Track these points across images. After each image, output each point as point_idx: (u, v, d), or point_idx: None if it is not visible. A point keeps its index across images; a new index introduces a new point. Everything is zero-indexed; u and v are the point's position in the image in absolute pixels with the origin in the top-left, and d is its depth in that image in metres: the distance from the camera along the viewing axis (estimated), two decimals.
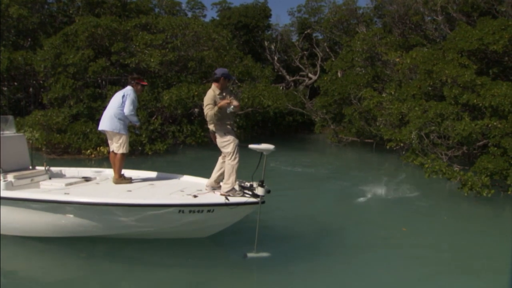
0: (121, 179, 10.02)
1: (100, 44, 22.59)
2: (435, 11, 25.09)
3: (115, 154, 10.00)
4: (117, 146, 9.94)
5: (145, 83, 10.59)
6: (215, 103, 8.83)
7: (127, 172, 10.43)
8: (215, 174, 9.32)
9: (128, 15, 27.46)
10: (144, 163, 18.59)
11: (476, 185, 13.50)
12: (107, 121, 9.93)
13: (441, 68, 17.79)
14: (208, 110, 8.79)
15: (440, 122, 16.54)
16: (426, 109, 17.16)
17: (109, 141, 10.16)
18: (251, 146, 8.40)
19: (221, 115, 8.91)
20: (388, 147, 18.99)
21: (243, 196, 8.71)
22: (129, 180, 10.10)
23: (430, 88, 18.78)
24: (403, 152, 19.39)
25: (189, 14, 41.25)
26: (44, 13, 26.82)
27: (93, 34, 21.98)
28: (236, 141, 8.99)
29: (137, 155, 20.14)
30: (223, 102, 8.85)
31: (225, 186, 8.91)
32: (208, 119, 8.86)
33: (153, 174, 10.80)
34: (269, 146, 8.38)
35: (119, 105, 9.86)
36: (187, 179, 10.49)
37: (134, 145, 19.82)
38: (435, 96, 18.78)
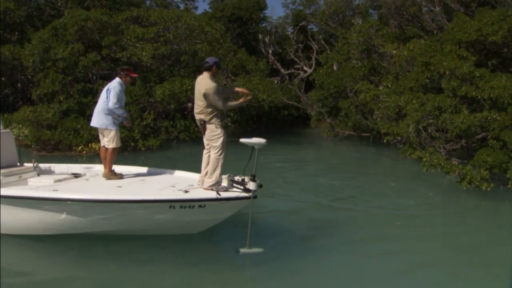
0: (111, 174, 9.89)
1: (90, 38, 22.20)
2: (432, 2, 24.86)
3: (106, 149, 9.88)
4: (108, 140, 9.84)
5: (135, 75, 10.47)
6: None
7: (118, 168, 10.29)
8: (204, 169, 9.08)
9: (118, 8, 27.07)
10: (137, 159, 18.34)
11: (475, 179, 13.28)
12: (95, 117, 9.87)
13: (439, 60, 17.54)
14: (218, 101, 8.64)
15: (438, 115, 16.35)
16: (424, 102, 16.96)
17: (100, 136, 10.04)
18: (242, 140, 8.28)
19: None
20: (385, 141, 18.84)
21: (226, 190, 8.57)
22: (120, 176, 9.94)
23: (427, 81, 18.53)
24: (401, 146, 19.14)
25: (181, 7, 40.87)
26: (32, 6, 26.41)
27: (82, 28, 21.57)
28: (225, 136, 8.84)
29: (129, 151, 19.85)
30: (247, 98, 9.24)
31: (209, 180, 8.76)
32: (220, 107, 8.72)
33: (144, 169, 10.63)
34: (261, 140, 8.26)
35: (105, 99, 9.77)
36: (178, 174, 10.36)
37: (127, 141, 19.52)
38: (432, 89, 18.55)
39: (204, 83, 8.71)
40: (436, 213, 12.24)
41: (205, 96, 8.61)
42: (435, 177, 15.44)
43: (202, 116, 8.78)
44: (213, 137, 8.73)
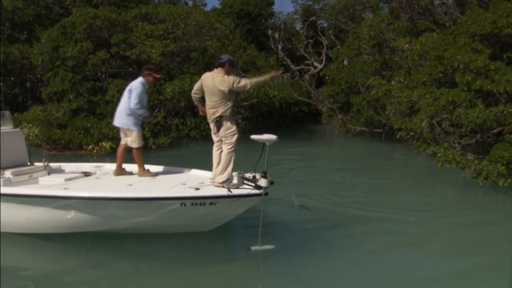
0: (144, 172, 10.01)
1: (99, 36, 22.10)
2: None
3: (129, 148, 10.01)
4: (131, 140, 9.93)
5: (158, 75, 10.58)
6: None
7: (128, 167, 10.30)
8: (216, 166, 9.03)
9: (127, 6, 26.93)
10: (147, 158, 17.97)
11: (491, 174, 13.04)
12: (118, 117, 9.99)
13: (452, 53, 17.26)
14: (244, 85, 8.69)
15: (452, 109, 16.10)
16: (437, 97, 16.70)
17: (122, 135, 10.13)
18: (253, 136, 8.25)
19: (234, 99, 8.92)
20: (398, 136, 18.63)
21: (237, 188, 8.54)
22: (153, 174, 10.04)
23: (441, 75, 18.25)
24: (414, 142, 18.88)
25: (190, 3, 40.75)
26: (40, 5, 26.27)
27: (91, 26, 21.47)
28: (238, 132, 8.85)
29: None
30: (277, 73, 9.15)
31: (221, 177, 8.72)
32: (248, 87, 8.80)
33: (155, 167, 10.55)
34: (272, 137, 8.22)
35: (127, 99, 9.84)
36: (189, 172, 10.33)
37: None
38: (446, 83, 18.28)
39: (219, 79, 8.65)
40: (451, 208, 12.08)
41: (226, 91, 8.56)
42: (450, 173, 15.20)
43: (218, 113, 8.71)
44: (229, 133, 8.72)
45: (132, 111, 9.71)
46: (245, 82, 8.64)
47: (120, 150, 10.08)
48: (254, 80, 8.95)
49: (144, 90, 9.92)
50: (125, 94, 9.91)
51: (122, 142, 10.09)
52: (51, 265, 8.35)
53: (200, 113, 9.36)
